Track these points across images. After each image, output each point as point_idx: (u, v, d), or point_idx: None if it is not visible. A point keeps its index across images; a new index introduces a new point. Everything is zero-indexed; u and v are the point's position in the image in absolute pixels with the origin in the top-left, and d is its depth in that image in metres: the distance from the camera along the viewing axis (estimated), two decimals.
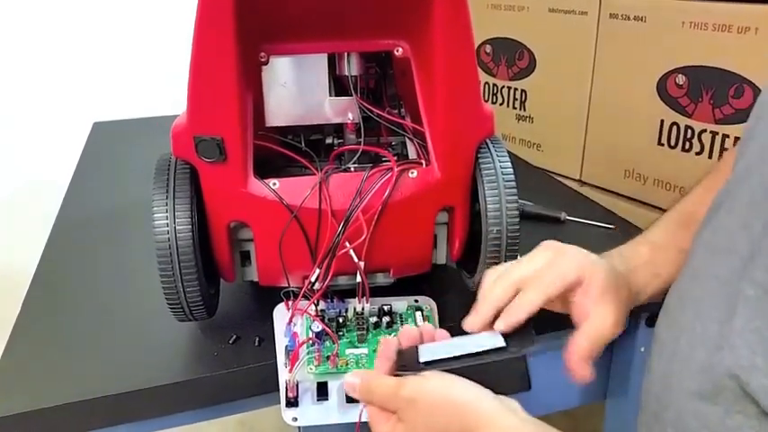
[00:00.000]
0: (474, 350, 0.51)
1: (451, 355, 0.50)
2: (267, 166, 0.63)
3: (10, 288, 1.01)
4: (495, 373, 0.50)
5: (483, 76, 1.38)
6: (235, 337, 0.67)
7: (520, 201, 0.65)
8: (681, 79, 1.02)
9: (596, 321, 0.54)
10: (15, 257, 1.40)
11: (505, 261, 0.64)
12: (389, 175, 0.61)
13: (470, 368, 0.49)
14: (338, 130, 0.70)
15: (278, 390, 0.59)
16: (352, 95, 0.66)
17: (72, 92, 1.72)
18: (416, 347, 0.53)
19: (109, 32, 1.72)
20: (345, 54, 0.65)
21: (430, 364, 0.50)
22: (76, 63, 1.71)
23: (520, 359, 0.51)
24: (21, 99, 1.69)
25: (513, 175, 0.64)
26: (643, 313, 0.74)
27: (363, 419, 0.55)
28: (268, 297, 0.66)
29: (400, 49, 0.64)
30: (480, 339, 0.52)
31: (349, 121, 0.67)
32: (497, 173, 0.64)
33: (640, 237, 0.65)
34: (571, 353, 0.53)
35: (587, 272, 0.55)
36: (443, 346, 0.52)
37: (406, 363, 0.51)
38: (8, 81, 1.68)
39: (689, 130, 1.02)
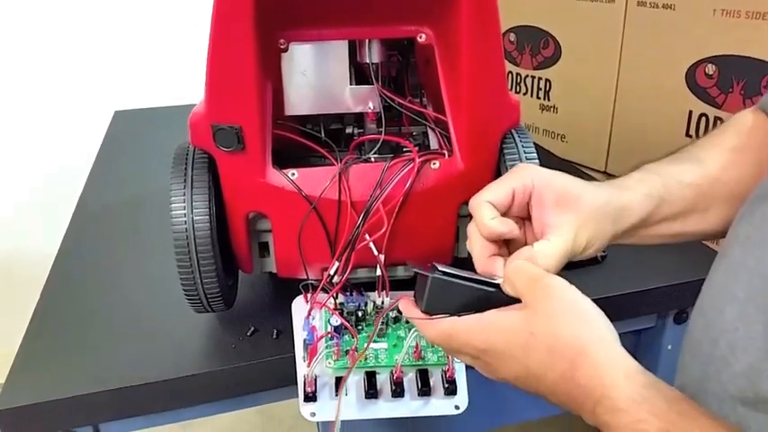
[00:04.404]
0: (481, 278, 0.49)
1: (464, 275, 0.49)
2: (286, 156, 0.62)
3: (30, 276, 1.02)
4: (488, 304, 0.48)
5: (506, 65, 1.35)
6: (253, 329, 0.66)
7: None
8: (711, 69, 0.99)
9: (554, 235, 0.50)
10: (35, 246, 1.40)
11: None
12: (411, 165, 0.59)
13: (476, 290, 0.48)
14: (359, 119, 0.69)
15: (296, 383, 0.58)
16: (373, 84, 0.64)
17: (93, 81, 1.72)
18: (433, 263, 0.51)
19: (130, 21, 1.72)
20: (366, 41, 0.64)
21: (447, 275, 0.49)
22: (98, 52, 1.71)
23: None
24: (43, 88, 1.70)
25: None
26: (671, 311, 0.72)
27: (380, 417, 0.54)
28: (287, 289, 0.65)
29: (423, 36, 0.62)
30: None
31: (370, 111, 0.65)
32: None
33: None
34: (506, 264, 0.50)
35: (538, 179, 0.52)
36: (458, 269, 0.50)
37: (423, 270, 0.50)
38: (31, 70, 1.68)
39: (719, 122, 0.99)
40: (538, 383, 0.44)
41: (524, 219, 0.54)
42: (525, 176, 0.52)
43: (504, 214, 0.53)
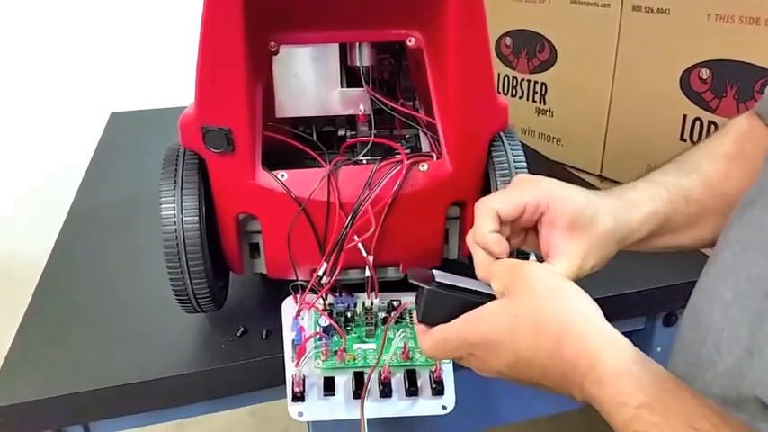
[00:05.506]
0: (477, 288, 0.49)
1: (460, 285, 0.49)
2: (277, 158, 0.62)
3: (27, 277, 1.02)
4: None
5: (503, 69, 1.36)
6: (242, 329, 0.67)
7: None
8: (705, 73, 0.99)
9: (561, 260, 0.49)
10: (30, 246, 1.40)
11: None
12: (399, 167, 0.60)
13: (470, 302, 0.48)
14: (351, 121, 0.69)
15: (285, 383, 0.59)
16: (363, 87, 0.65)
17: (90, 82, 1.73)
18: (431, 270, 0.51)
19: (126, 24, 1.72)
20: (357, 44, 0.64)
21: (442, 286, 0.49)
22: (95, 54, 1.72)
23: None
24: (40, 89, 1.70)
25: (526, 169, 0.63)
26: (661, 313, 0.72)
27: (367, 416, 0.54)
28: (277, 290, 0.66)
29: (413, 39, 0.62)
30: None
31: (360, 113, 0.66)
32: (510, 166, 0.62)
33: (633, 182, 0.58)
34: None
35: (553, 199, 0.50)
36: (455, 277, 0.51)
37: (421, 279, 0.50)
38: (28, 71, 1.69)
39: (712, 126, 0.99)
40: (529, 368, 0.44)
41: (528, 229, 0.53)
42: (541, 193, 0.50)
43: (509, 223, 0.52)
